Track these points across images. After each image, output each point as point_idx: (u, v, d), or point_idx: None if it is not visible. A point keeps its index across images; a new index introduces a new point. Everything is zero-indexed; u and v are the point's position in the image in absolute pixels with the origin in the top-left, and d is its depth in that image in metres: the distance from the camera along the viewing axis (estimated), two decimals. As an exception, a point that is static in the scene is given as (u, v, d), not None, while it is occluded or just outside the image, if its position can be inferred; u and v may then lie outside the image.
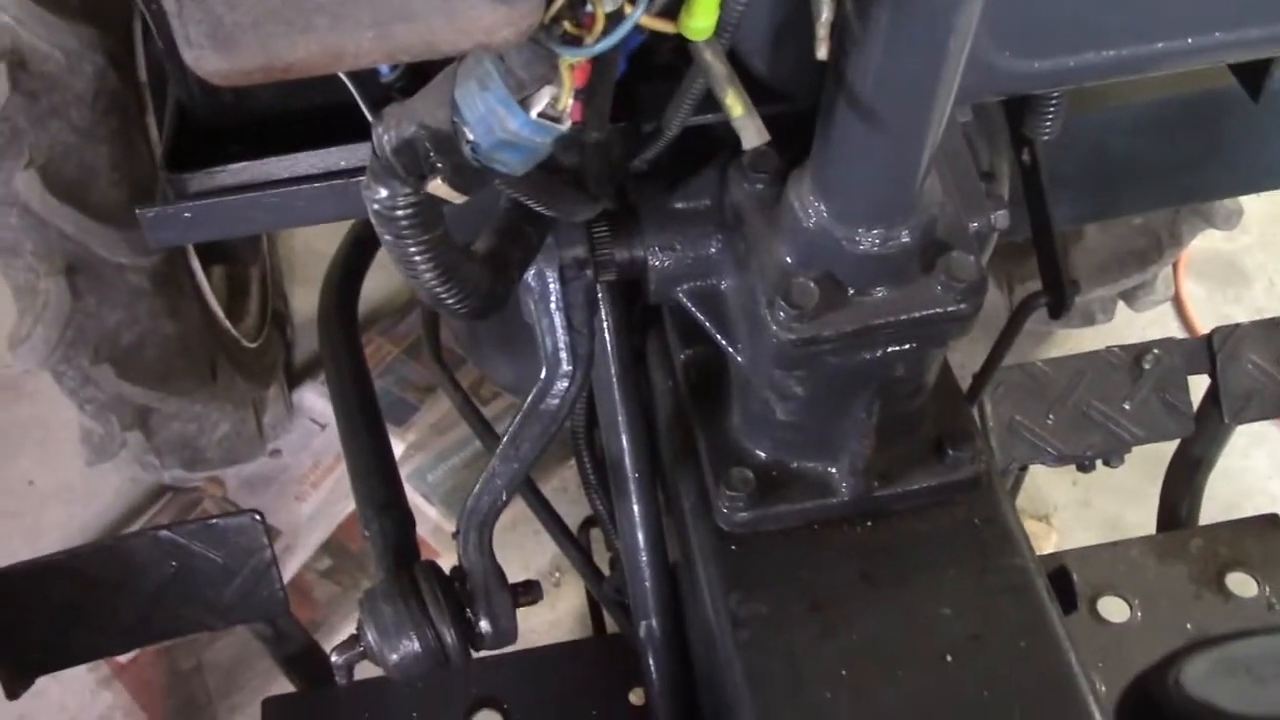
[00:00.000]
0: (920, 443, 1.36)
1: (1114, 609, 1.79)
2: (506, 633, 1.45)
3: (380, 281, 2.78)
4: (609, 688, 1.72)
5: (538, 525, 1.96)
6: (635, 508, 1.46)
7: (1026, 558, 1.33)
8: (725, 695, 1.32)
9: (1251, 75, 1.40)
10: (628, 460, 1.44)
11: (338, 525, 2.64)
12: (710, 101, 1.04)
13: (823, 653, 1.26)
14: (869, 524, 1.35)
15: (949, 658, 1.26)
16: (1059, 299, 1.72)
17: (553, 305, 1.30)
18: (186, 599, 1.63)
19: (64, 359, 2.09)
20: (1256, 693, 1.24)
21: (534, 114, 0.89)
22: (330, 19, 0.75)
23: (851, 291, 1.16)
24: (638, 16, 0.85)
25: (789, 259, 1.17)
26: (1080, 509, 2.68)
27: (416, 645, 1.39)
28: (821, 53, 0.93)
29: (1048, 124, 1.52)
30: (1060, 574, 1.77)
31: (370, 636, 1.40)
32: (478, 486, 1.37)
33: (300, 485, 2.71)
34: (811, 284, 1.15)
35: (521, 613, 1.46)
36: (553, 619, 2.51)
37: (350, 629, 1.45)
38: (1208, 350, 1.85)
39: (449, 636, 1.40)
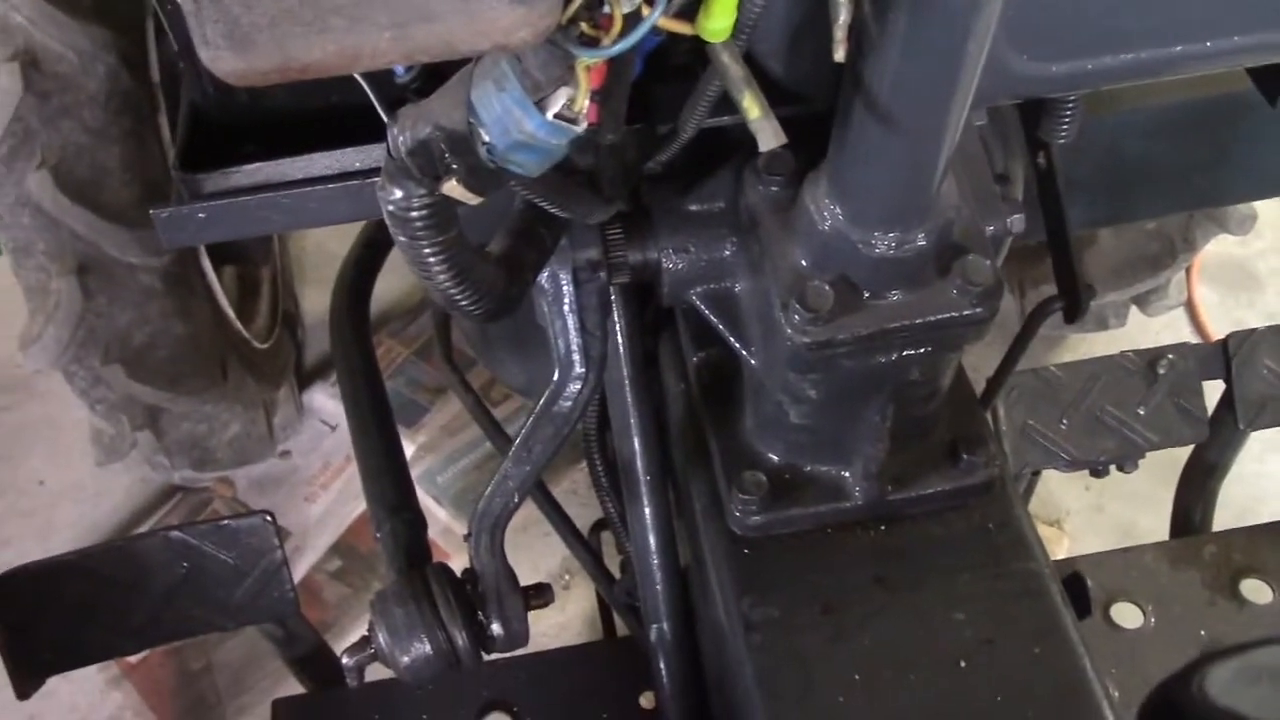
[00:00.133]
0: (934, 447, 1.35)
1: (1128, 615, 1.78)
2: (518, 635, 1.44)
3: (391, 283, 2.78)
4: (620, 691, 1.72)
5: (548, 527, 1.96)
6: (647, 510, 1.46)
7: (1040, 562, 1.32)
8: (736, 699, 1.31)
9: (1268, 79, 1.39)
10: (639, 463, 1.44)
11: (348, 526, 2.64)
12: (726, 103, 1.04)
13: (835, 657, 1.26)
14: (882, 528, 1.35)
15: (962, 662, 1.25)
16: (1074, 303, 1.71)
17: (566, 307, 1.30)
18: (197, 599, 1.63)
19: (75, 359, 2.09)
20: (1281, 701, 1.24)
21: (550, 115, 0.89)
22: (347, 19, 0.75)
23: (866, 295, 1.16)
24: (655, 18, 0.84)
25: (804, 262, 1.17)
26: (1093, 514, 2.67)
27: (428, 647, 1.39)
28: (839, 55, 0.92)
29: (1064, 127, 1.52)
30: (1074, 579, 1.76)
31: (381, 638, 1.39)
32: (489, 488, 1.37)
33: (310, 486, 2.71)
34: (826, 287, 1.14)
35: (531, 615, 1.46)
36: (562, 621, 2.50)
37: (360, 630, 1.45)
38: (1223, 355, 1.84)
39: (460, 639, 1.39)
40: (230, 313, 2.46)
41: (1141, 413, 1.81)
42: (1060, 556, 2.06)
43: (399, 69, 1.03)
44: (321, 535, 2.64)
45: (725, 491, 1.33)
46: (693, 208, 1.30)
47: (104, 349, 2.10)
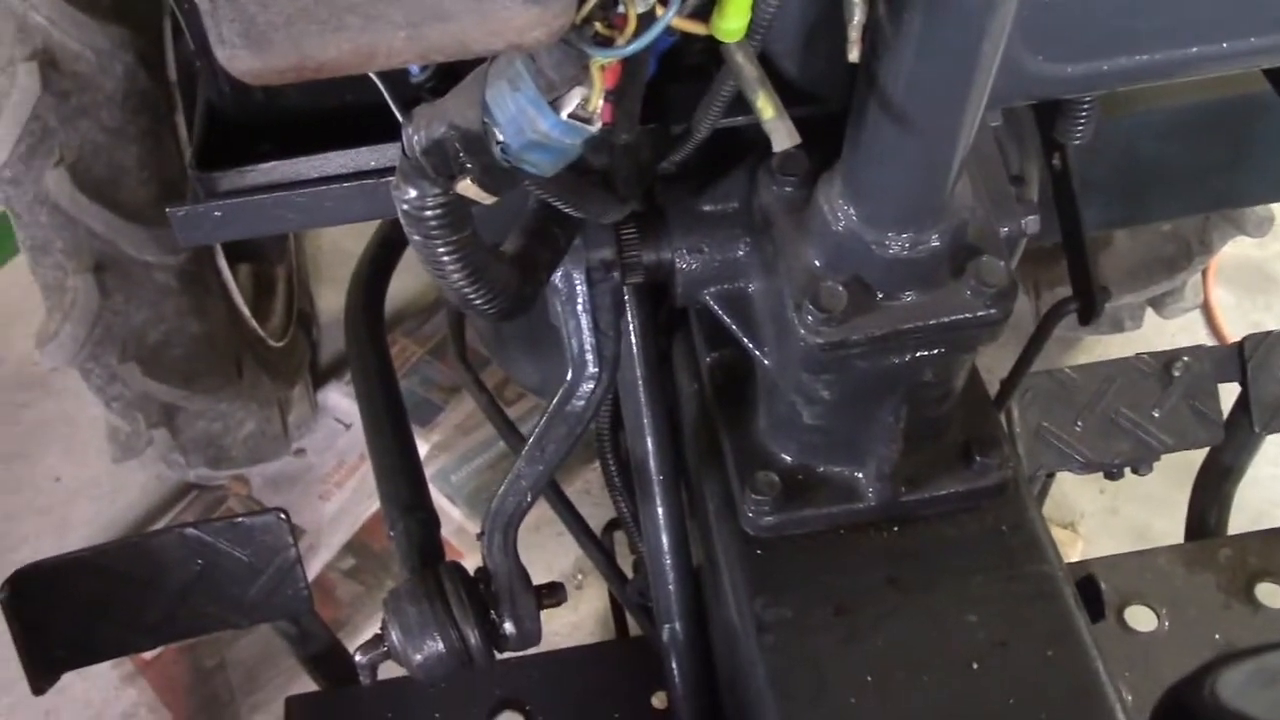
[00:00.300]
0: (947, 448, 1.35)
1: (1142, 618, 1.77)
2: (531, 634, 1.45)
3: (405, 282, 2.78)
4: (632, 691, 1.72)
5: (561, 527, 1.96)
6: (659, 510, 1.46)
7: (1054, 565, 1.32)
8: (748, 699, 1.31)
9: (1285, 81, 1.38)
10: (652, 463, 1.44)
11: (361, 525, 2.65)
12: (740, 103, 1.04)
13: (847, 658, 1.26)
14: (895, 529, 1.35)
15: (975, 664, 1.25)
16: (1089, 305, 1.71)
17: (579, 307, 1.30)
18: (211, 597, 1.64)
19: (91, 356, 2.10)
20: (1295, 704, 1.23)
21: (564, 115, 0.89)
22: (363, 18, 0.76)
23: (880, 295, 1.16)
24: (670, 18, 0.84)
25: (817, 262, 1.17)
26: (1107, 517, 2.66)
27: (440, 645, 1.39)
28: (853, 55, 0.92)
29: (1079, 129, 1.51)
30: (1088, 582, 1.76)
31: (394, 636, 1.40)
32: (502, 488, 1.37)
33: (324, 485, 2.72)
34: (840, 287, 1.14)
35: (544, 615, 1.46)
36: (575, 621, 2.51)
37: (373, 629, 1.45)
38: (1239, 358, 1.83)
39: (473, 637, 1.40)
40: (246, 311, 2.47)
41: (1156, 415, 1.81)
42: (1075, 559, 2.05)
43: (414, 68, 1.03)
44: (335, 533, 2.64)
45: (738, 492, 1.33)
46: (707, 208, 1.30)
47: (120, 347, 2.11)
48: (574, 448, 1.35)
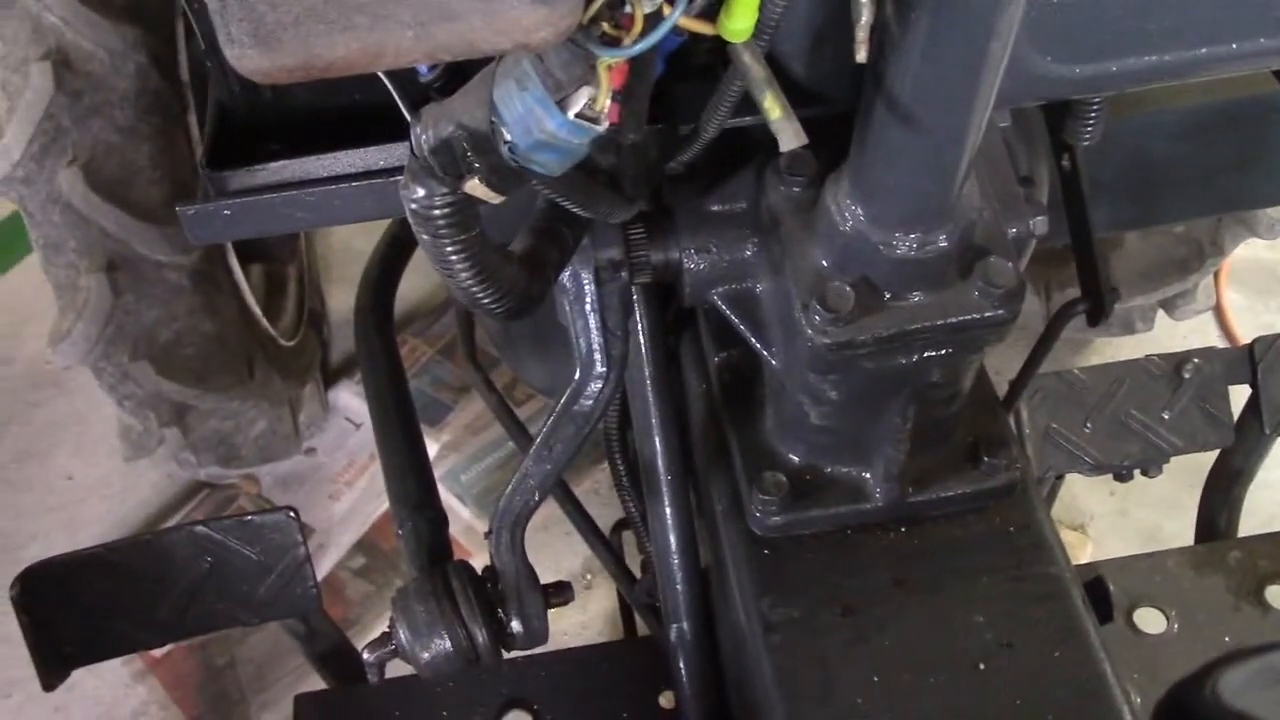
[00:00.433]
0: (955, 449, 1.35)
1: (1151, 620, 1.77)
2: (538, 633, 1.45)
3: (415, 282, 2.80)
4: (639, 690, 1.71)
5: (570, 527, 1.96)
6: (667, 510, 1.46)
7: (1061, 566, 1.32)
8: (756, 699, 1.31)
9: (1296, 82, 1.38)
10: (660, 463, 1.44)
11: (371, 524, 2.66)
12: (748, 103, 1.04)
13: (854, 658, 1.26)
14: (902, 530, 1.35)
15: (981, 665, 1.25)
16: (1098, 306, 1.70)
17: (587, 307, 1.30)
18: (221, 594, 1.64)
19: (104, 355, 2.11)
20: (1297, 705, 1.23)
21: (571, 115, 0.90)
22: (371, 18, 0.76)
23: (888, 296, 1.16)
24: (676, 17, 0.85)
25: (825, 262, 1.17)
26: (1117, 519, 2.66)
27: (448, 644, 1.39)
28: (860, 55, 0.92)
29: (1088, 129, 1.51)
30: (1097, 584, 1.75)
31: (402, 635, 1.40)
32: (510, 487, 1.37)
33: (334, 484, 2.73)
34: (847, 288, 1.14)
35: (552, 614, 1.47)
36: (583, 620, 2.51)
37: (382, 627, 1.45)
38: (1249, 360, 1.83)
39: (480, 636, 1.40)
40: (257, 310, 2.48)
41: (1166, 417, 1.80)
42: (1084, 561, 2.05)
43: (422, 68, 1.03)
44: (345, 532, 2.65)
45: (746, 492, 1.34)
46: (714, 208, 1.30)
47: (132, 346, 2.12)
48: (582, 447, 1.35)
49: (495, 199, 0.97)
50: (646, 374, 1.42)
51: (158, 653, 2.42)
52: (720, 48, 0.99)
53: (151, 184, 1.97)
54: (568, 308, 1.31)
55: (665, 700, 1.71)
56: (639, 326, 1.39)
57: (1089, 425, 1.79)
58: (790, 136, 1.00)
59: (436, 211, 0.98)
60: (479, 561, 1.46)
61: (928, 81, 0.99)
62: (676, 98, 1.21)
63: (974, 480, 1.33)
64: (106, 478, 2.75)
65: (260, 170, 1.33)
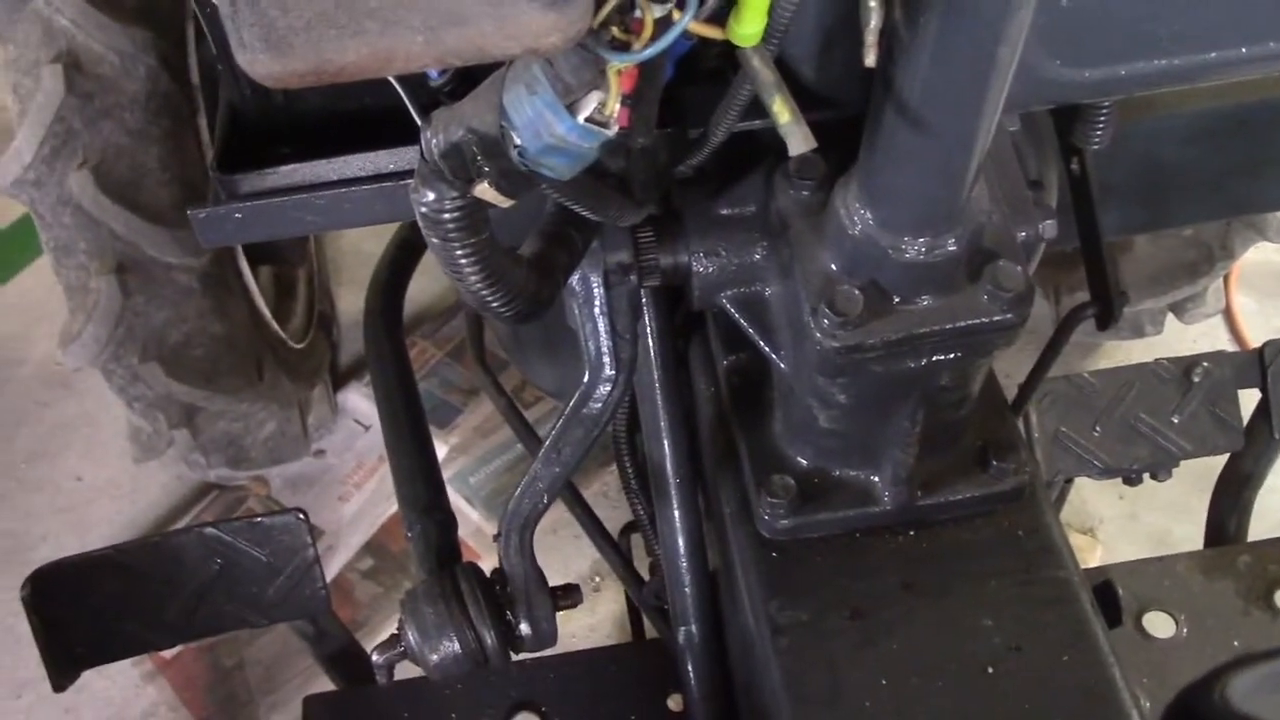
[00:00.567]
0: (964, 453, 1.35)
1: (1160, 624, 1.77)
2: (546, 635, 1.45)
3: (424, 285, 2.80)
4: (647, 693, 1.72)
5: (578, 529, 1.96)
6: (676, 513, 1.46)
7: (1070, 570, 1.32)
8: (764, 702, 1.31)
9: (1306, 86, 1.38)
10: (669, 466, 1.44)
11: (380, 526, 2.66)
12: (757, 107, 1.04)
13: (863, 661, 1.26)
14: (911, 533, 1.35)
15: (990, 669, 1.25)
16: (1107, 310, 1.70)
17: (596, 310, 1.30)
18: (230, 596, 1.64)
19: (113, 357, 2.12)
20: (1305, 710, 1.22)
21: (581, 119, 0.90)
22: (381, 23, 0.76)
23: (896, 300, 1.16)
24: (686, 22, 0.85)
25: (834, 266, 1.17)
26: (1126, 523, 2.65)
27: (457, 646, 1.40)
28: (869, 59, 0.92)
29: (1098, 133, 1.51)
30: (1106, 588, 1.75)
31: (411, 637, 1.41)
32: (519, 490, 1.37)
33: (343, 486, 2.73)
34: (856, 291, 1.14)
35: (561, 617, 1.47)
36: (592, 623, 2.51)
37: (391, 629, 1.46)
38: (1259, 364, 1.82)
39: (489, 638, 1.40)
40: (266, 313, 2.48)
41: (1176, 421, 1.80)
42: (1094, 565, 2.04)
43: (432, 72, 1.04)
44: (354, 534, 2.66)
45: (754, 495, 1.34)
46: (723, 211, 1.30)
47: (142, 347, 2.12)
48: (591, 450, 1.35)
49: (505, 203, 0.97)
50: (655, 377, 1.42)
51: (167, 654, 2.43)
52: (730, 52, 0.99)
53: (161, 186, 1.98)
54: (577, 311, 1.31)
55: (673, 703, 1.71)
56: (648, 330, 1.39)
57: (1098, 429, 1.79)
58: (799, 140, 1.00)
59: (446, 215, 0.98)
60: (488, 564, 1.47)
61: (936, 86, 0.99)
62: (686, 102, 1.21)
63: (983, 484, 1.33)
64: (116, 479, 2.76)
65: (271, 173, 1.33)
